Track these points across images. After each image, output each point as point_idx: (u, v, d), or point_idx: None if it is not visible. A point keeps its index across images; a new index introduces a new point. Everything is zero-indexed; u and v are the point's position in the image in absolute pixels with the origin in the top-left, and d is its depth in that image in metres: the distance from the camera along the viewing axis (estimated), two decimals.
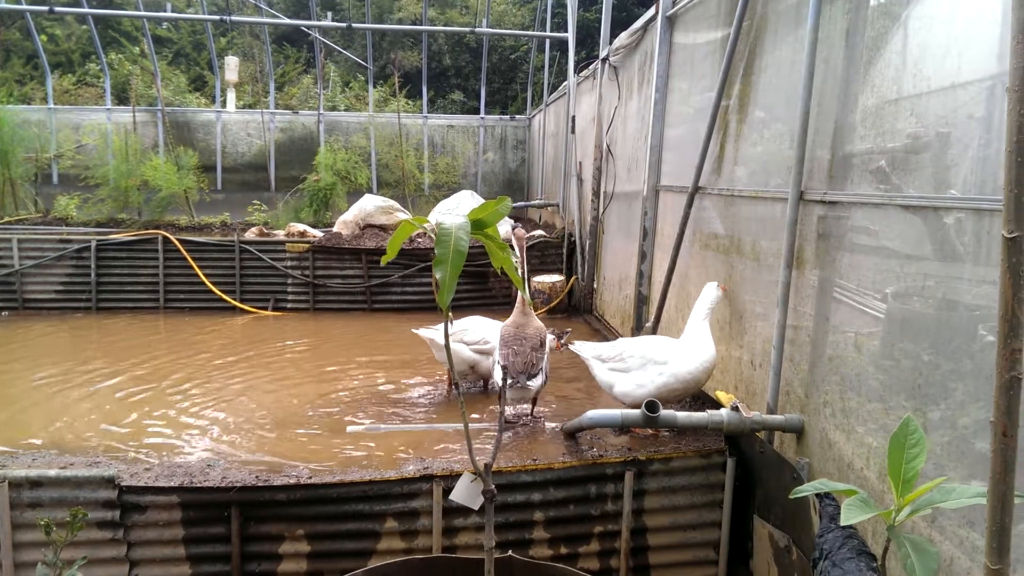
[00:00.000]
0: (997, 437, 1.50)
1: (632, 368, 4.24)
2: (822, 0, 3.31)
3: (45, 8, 11.36)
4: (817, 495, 3.02)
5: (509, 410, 4.59)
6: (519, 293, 4.81)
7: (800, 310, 3.46)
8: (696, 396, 4.50)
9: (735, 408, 3.58)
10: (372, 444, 4.23)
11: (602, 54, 7.53)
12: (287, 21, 14.52)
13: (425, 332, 5.15)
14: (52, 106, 13.22)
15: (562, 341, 5.06)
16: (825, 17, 3.31)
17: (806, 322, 3.40)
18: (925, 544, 1.86)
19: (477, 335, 5.08)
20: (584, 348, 4.64)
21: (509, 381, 4.17)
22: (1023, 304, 1.46)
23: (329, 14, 14.74)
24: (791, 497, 2.26)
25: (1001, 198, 1.47)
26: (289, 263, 8.64)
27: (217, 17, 12.20)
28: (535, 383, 4.30)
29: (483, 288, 8.88)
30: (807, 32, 3.34)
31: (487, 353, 5.07)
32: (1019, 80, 1.42)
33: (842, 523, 1.92)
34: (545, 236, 9.31)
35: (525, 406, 4.62)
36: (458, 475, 3.37)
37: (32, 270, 8.28)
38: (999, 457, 1.50)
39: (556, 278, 8.66)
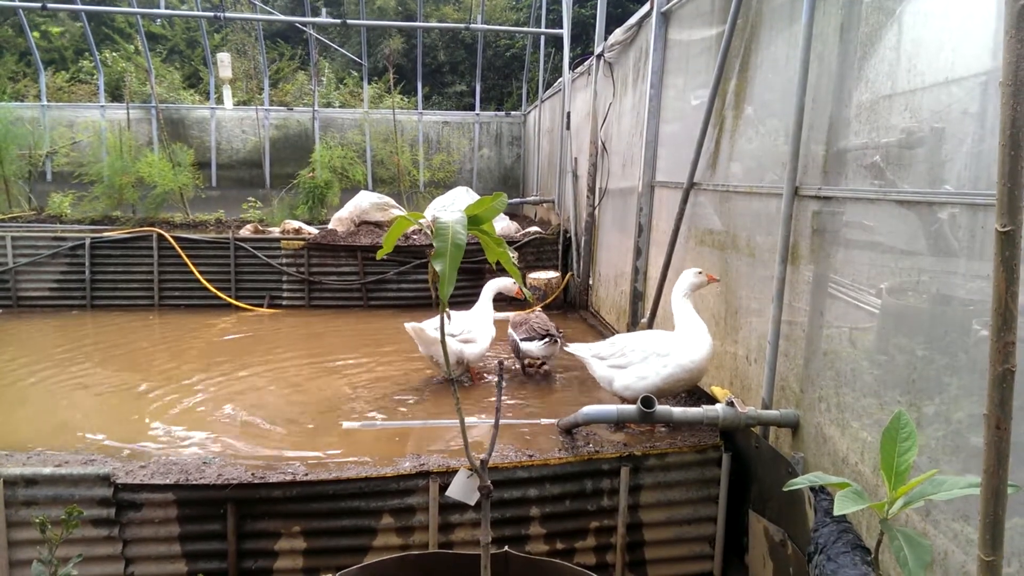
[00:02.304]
0: (991, 430, 1.51)
1: (633, 362, 4.25)
2: None
3: (38, 4, 11.28)
4: (812, 490, 3.03)
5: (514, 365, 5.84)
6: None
7: (795, 305, 3.47)
8: (691, 392, 4.51)
9: (730, 403, 3.59)
10: (368, 440, 4.23)
11: (597, 50, 7.53)
12: (281, 18, 14.49)
13: (411, 326, 5.18)
14: (45, 103, 13.17)
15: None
16: (819, 13, 3.32)
17: (801, 317, 3.40)
18: (918, 537, 1.87)
19: (459, 327, 5.26)
20: (580, 348, 4.68)
21: (545, 340, 5.40)
22: (1016, 298, 1.46)
23: (324, 11, 14.71)
24: (786, 490, 2.27)
25: (995, 193, 1.48)
26: (284, 260, 8.62)
27: (211, 14, 12.15)
28: (557, 346, 5.41)
29: (478, 284, 8.84)
30: (802, 28, 3.34)
31: (472, 341, 5.25)
32: (1013, 75, 1.43)
33: (835, 512, 1.93)
34: (541, 233, 9.31)
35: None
36: (454, 471, 3.37)
37: (26, 268, 8.25)
38: (992, 450, 1.51)
39: (552, 274, 8.67)
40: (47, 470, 3.42)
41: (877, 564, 2.21)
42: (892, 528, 1.93)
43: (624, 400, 4.20)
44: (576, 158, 8.79)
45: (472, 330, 5.28)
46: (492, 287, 5.76)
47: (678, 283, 4.27)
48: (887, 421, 2.05)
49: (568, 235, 8.94)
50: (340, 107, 14.89)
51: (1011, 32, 1.42)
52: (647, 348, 4.23)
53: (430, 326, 5.19)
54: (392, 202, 9.62)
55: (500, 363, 2.45)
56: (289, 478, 3.49)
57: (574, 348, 4.73)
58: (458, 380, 5.38)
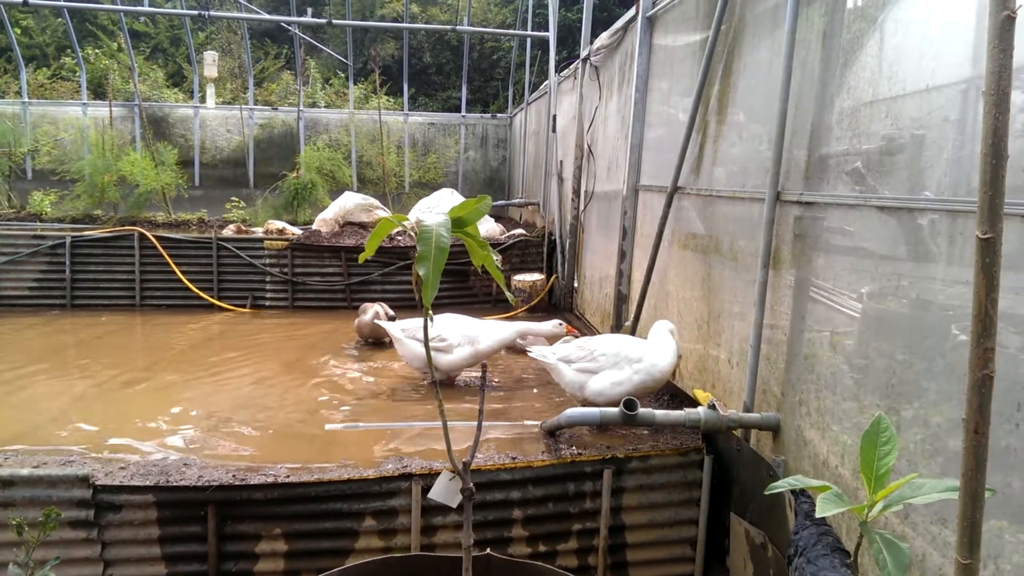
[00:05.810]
0: (969, 434, 1.52)
1: (604, 366, 4.24)
2: (799, 3, 3.34)
3: (19, 0, 11.16)
4: (792, 492, 3.05)
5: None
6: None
7: (777, 309, 3.49)
8: (674, 394, 4.53)
9: (712, 406, 3.61)
10: (350, 442, 4.21)
11: (583, 54, 7.55)
12: (266, 17, 14.41)
13: (387, 324, 5.22)
14: (27, 100, 13.02)
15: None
16: (802, 20, 3.34)
17: (783, 321, 3.43)
18: (897, 540, 1.89)
19: (433, 332, 5.13)
20: (545, 352, 4.53)
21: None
22: (996, 304, 1.48)
23: (309, 10, 14.64)
24: (767, 492, 2.28)
25: (974, 200, 1.49)
26: (267, 260, 8.57)
27: (195, 12, 12.06)
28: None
29: (463, 286, 8.87)
30: (785, 34, 3.37)
31: (445, 351, 5.14)
32: (995, 85, 1.45)
33: (817, 515, 1.94)
34: (526, 235, 9.32)
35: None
36: (437, 473, 3.37)
37: (5, 266, 8.14)
38: (971, 454, 1.53)
39: (536, 277, 8.67)
40: (25, 471, 3.38)
41: (857, 567, 2.22)
42: (871, 531, 1.94)
43: (597, 405, 4.20)
44: (562, 161, 8.80)
45: (448, 340, 5.13)
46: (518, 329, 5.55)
47: (665, 321, 4.41)
48: (867, 425, 2.07)
49: (553, 237, 8.95)
50: (326, 107, 14.83)
51: (994, 43, 1.43)
52: (619, 353, 4.23)
53: (396, 327, 5.28)
54: (377, 203, 9.60)
55: (483, 366, 2.45)
56: (271, 480, 3.47)
57: (536, 353, 4.55)
58: (442, 383, 5.38)
